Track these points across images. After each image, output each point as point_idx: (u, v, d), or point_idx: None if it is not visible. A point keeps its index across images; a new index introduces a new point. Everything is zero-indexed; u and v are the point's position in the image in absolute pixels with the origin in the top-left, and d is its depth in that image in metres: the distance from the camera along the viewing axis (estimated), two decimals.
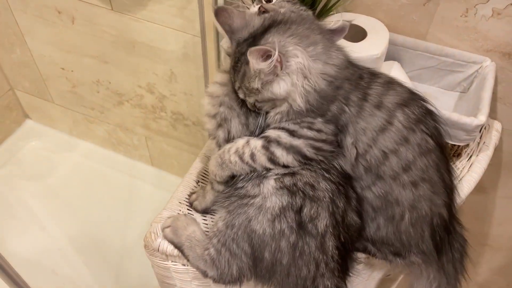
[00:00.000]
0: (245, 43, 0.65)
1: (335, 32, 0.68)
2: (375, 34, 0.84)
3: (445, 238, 0.71)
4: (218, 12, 0.66)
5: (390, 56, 0.91)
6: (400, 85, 0.67)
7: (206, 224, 0.79)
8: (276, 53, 0.59)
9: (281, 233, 0.66)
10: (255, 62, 0.60)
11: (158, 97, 1.39)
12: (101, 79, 1.45)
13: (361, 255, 0.76)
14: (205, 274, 0.73)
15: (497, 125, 0.92)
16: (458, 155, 0.85)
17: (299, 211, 0.65)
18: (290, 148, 0.65)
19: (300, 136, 0.65)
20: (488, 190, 1.13)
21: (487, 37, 0.86)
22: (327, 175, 0.67)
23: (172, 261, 0.76)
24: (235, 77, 0.67)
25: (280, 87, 0.63)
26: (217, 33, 0.97)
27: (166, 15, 1.11)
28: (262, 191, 0.67)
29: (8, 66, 1.61)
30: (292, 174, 0.67)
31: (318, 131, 0.65)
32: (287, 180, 0.66)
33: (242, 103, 0.70)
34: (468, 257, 0.76)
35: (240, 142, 0.69)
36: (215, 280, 0.72)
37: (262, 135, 0.67)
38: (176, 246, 0.74)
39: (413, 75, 0.94)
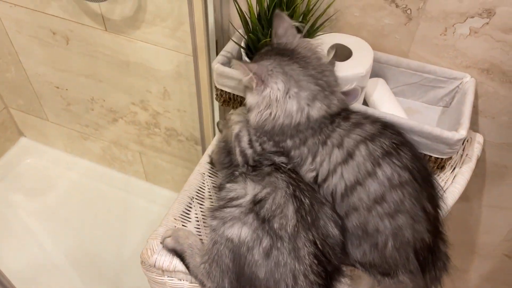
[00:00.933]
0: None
1: (347, 94, 0.78)
2: (360, 53, 0.88)
3: (429, 258, 0.72)
4: (276, 16, 0.77)
5: (375, 73, 0.95)
6: (373, 122, 0.72)
7: (200, 234, 0.81)
8: (251, 74, 0.69)
9: (251, 237, 0.67)
10: (240, 72, 0.71)
11: (152, 114, 1.42)
12: (95, 97, 1.48)
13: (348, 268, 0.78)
14: (203, 285, 0.74)
15: (479, 138, 0.95)
16: (442, 167, 0.88)
17: (257, 202, 0.68)
18: (241, 152, 0.77)
19: (252, 148, 0.76)
20: (473, 200, 1.17)
21: (466, 54, 0.90)
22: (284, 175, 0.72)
23: (168, 276, 0.79)
24: None
25: (249, 98, 0.74)
26: (209, 53, 1.01)
27: (159, 36, 1.15)
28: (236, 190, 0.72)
29: (3, 85, 1.64)
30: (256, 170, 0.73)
31: (264, 155, 0.75)
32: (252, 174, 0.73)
33: None
34: (448, 274, 0.77)
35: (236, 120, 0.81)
36: None
37: (241, 132, 0.79)
38: (178, 253, 0.76)
39: (397, 91, 0.98)
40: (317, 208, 0.70)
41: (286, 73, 0.71)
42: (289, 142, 0.73)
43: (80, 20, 1.23)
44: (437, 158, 0.85)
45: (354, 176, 0.68)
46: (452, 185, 0.87)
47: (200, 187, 0.89)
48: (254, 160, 0.76)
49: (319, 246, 0.68)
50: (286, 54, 0.73)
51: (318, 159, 0.71)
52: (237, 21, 1.03)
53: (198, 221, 0.84)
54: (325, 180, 0.71)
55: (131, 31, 1.18)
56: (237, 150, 0.78)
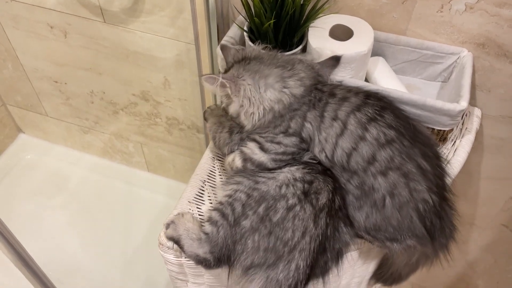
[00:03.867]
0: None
1: (328, 67, 0.85)
2: (360, 33, 0.90)
3: (437, 224, 0.75)
4: (223, 48, 0.88)
5: (374, 52, 0.98)
6: (356, 94, 0.78)
7: None
8: (220, 78, 0.76)
9: (282, 196, 0.72)
10: (207, 85, 0.79)
11: (153, 104, 1.44)
12: (95, 90, 1.49)
13: (357, 242, 0.81)
14: (197, 258, 0.76)
15: (477, 112, 0.99)
16: (444, 139, 0.91)
17: (309, 182, 0.73)
18: (258, 165, 0.80)
19: (265, 150, 0.79)
20: (471, 173, 1.21)
21: (462, 30, 0.93)
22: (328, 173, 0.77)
23: (185, 257, 0.81)
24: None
25: (232, 107, 0.81)
26: (210, 39, 1.02)
27: (158, 25, 1.16)
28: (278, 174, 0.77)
29: (0, 82, 1.64)
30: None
31: (278, 143, 0.79)
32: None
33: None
34: (455, 242, 0.81)
35: (230, 157, 0.84)
36: (206, 263, 0.76)
37: (241, 149, 0.82)
38: (175, 239, 0.78)
39: (396, 68, 1.00)
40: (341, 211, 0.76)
41: (248, 70, 0.79)
42: (293, 124, 0.78)
43: (78, 13, 1.23)
44: (439, 130, 0.88)
45: (350, 144, 0.74)
46: (453, 158, 0.90)
47: (211, 171, 0.91)
48: (274, 160, 0.79)
49: (330, 229, 0.74)
50: (241, 60, 0.82)
51: (323, 135, 0.76)
52: (238, 6, 1.05)
53: (211, 203, 0.86)
54: (333, 155, 0.76)
55: (130, 22, 1.19)
56: (251, 167, 0.80)
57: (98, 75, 1.41)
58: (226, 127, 0.86)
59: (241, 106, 0.79)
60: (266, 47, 0.86)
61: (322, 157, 0.78)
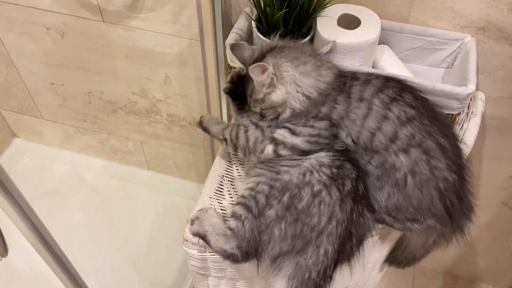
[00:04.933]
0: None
1: (328, 53, 0.86)
2: (367, 21, 0.91)
3: (456, 204, 0.77)
4: (233, 47, 0.86)
5: (379, 40, 0.99)
6: (377, 78, 0.81)
7: None
8: (270, 66, 0.77)
9: (307, 183, 0.73)
10: (256, 76, 0.78)
11: (153, 102, 1.43)
12: (93, 90, 1.47)
13: (377, 227, 0.83)
14: (225, 253, 0.77)
15: (481, 95, 1.01)
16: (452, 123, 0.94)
17: (338, 167, 0.75)
18: (291, 148, 0.80)
19: (298, 134, 0.80)
20: (474, 153, 1.24)
21: (463, 15, 0.95)
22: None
23: (209, 252, 0.82)
24: (247, 94, 0.85)
25: (277, 95, 0.80)
26: (215, 34, 1.03)
27: (159, 22, 1.16)
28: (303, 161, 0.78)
29: None
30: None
31: (311, 127, 0.80)
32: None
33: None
34: (472, 223, 0.83)
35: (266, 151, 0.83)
36: (233, 258, 0.76)
37: (272, 136, 0.81)
38: (200, 235, 0.79)
39: (401, 56, 1.02)
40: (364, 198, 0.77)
41: (286, 57, 0.79)
42: (324, 109, 0.80)
43: (76, 13, 1.21)
44: (448, 114, 0.91)
45: (374, 123, 0.77)
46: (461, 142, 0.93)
47: (227, 165, 0.92)
48: (309, 142, 0.80)
49: (355, 215, 0.75)
50: (273, 48, 0.82)
51: (351, 116, 0.78)
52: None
53: (231, 197, 0.87)
54: (358, 136, 0.79)
55: (129, 20, 1.18)
56: (284, 152, 0.80)
57: (96, 74, 1.40)
58: (250, 125, 0.84)
59: (288, 93, 0.79)
60: (282, 37, 0.86)
61: (348, 141, 0.79)
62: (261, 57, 0.81)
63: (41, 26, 1.29)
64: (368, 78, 0.81)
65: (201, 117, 0.91)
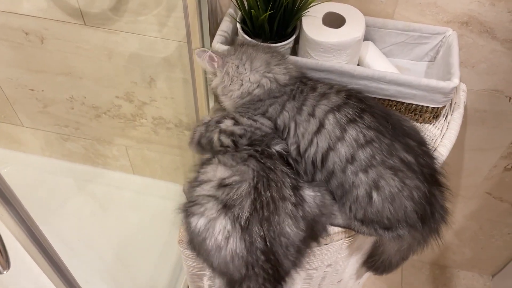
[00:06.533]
0: None
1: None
2: (352, 19, 0.92)
3: (427, 210, 0.76)
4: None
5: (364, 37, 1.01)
6: (337, 93, 0.80)
7: None
8: (209, 52, 0.84)
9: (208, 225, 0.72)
10: (197, 57, 0.86)
11: (138, 105, 1.41)
12: (75, 95, 1.44)
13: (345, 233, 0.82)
14: None
15: (463, 86, 1.03)
16: (437, 116, 0.96)
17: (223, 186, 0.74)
18: (230, 134, 0.82)
19: (239, 124, 0.82)
20: (457, 145, 1.26)
21: (446, 10, 0.97)
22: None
23: None
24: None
25: (214, 81, 0.88)
26: (202, 36, 1.02)
27: (143, 24, 1.14)
28: None
29: None
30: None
31: (255, 121, 0.82)
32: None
33: None
34: (446, 226, 0.81)
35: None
36: None
37: (218, 127, 0.85)
38: None
39: (385, 51, 1.04)
40: (278, 202, 0.73)
41: (239, 52, 0.85)
42: (271, 110, 0.82)
43: (56, 17, 1.19)
44: (433, 108, 0.92)
45: (326, 143, 0.76)
46: (447, 131, 0.95)
47: None
48: (250, 138, 0.81)
49: (267, 243, 0.71)
50: (240, 45, 0.88)
51: (300, 129, 0.79)
52: (224, 1, 1.05)
53: None
54: (305, 150, 0.79)
55: (112, 23, 1.16)
56: (224, 139, 0.82)
57: (78, 79, 1.37)
58: (201, 125, 0.88)
59: (222, 81, 0.86)
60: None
61: (292, 149, 0.80)
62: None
63: (20, 31, 1.26)
64: (327, 92, 0.80)
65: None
